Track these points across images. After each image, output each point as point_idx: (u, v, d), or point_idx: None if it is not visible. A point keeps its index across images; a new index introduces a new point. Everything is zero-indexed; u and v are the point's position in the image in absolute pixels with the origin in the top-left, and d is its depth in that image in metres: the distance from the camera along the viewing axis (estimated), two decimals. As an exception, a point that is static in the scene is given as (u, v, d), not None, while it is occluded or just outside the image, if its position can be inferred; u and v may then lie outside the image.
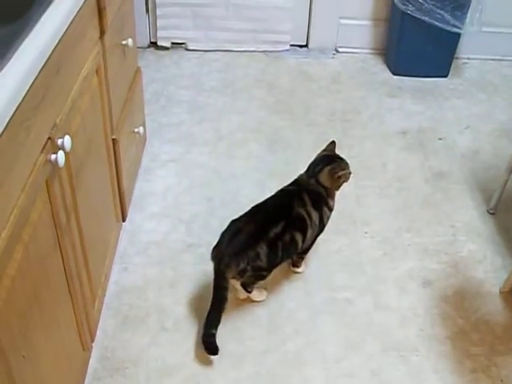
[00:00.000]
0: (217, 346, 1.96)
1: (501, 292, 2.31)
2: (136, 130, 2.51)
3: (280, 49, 3.76)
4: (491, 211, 2.67)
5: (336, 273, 2.35)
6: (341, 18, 3.72)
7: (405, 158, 2.95)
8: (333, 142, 2.19)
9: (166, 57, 3.65)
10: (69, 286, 1.61)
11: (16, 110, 1.16)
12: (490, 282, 2.35)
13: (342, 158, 2.16)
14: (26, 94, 1.21)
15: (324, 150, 2.19)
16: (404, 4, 3.37)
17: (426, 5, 3.32)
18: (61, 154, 1.40)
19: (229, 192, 2.67)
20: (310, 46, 3.82)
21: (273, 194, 2.14)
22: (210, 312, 1.99)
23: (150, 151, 2.86)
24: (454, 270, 2.39)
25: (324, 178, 2.10)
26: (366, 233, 2.53)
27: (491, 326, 2.18)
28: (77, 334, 1.74)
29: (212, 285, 2.00)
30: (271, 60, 3.68)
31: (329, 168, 2.09)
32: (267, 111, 3.21)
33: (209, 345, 1.97)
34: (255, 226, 2.00)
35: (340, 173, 2.08)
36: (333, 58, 3.76)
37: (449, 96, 3.46)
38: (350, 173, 2.13)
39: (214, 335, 1.97)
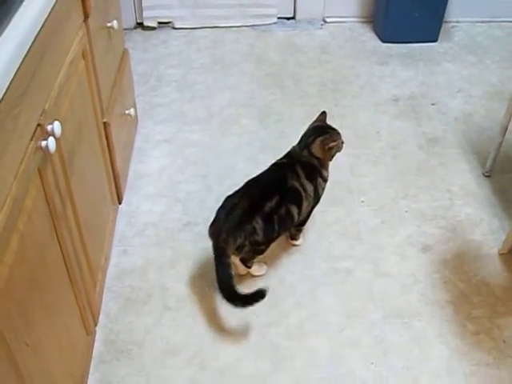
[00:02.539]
0: (260, 290, 1.93)
1: (499, 254, 2.32)
2: (127, 111, 2.50)
3: (267, 22, 3.73)
4: (486, 174, 2.67)
5: (334, 243, 2.35)
6: (327, -13, 3.71)
7: (398, 125, 2.94)
8: (323, 113, 2.18)
9: (154, 37, 3.63)
10: (68, 272, 1.62)
11: (2, 99, 1.15)
12: (488, 245, 2.35)
13: (333, 129, 2.15)
14: (11, 82, 1.20)
15: (315, 121, 2.18)
16: (390, -30, 3.35)
17: (412, -31, 3.30)
18: (51, 140, 1.39)
19: (223, 168, 2.67)
20: (297, 17, 3.79)
21: (266, 168, 2.14)
22: (226, 291, 1.94)
23: (143, 132, 2.85)
24: (452, 234, 2.39)
25: (316, 149, 2.09)
26: (362, 201, 2.53)
27: (491, 287, 2.19)
28: (79, 319, 1.75)
29: (212, 261, 2.00)
30: (259, 34, 3.66)
31: (320, 139, 2.08)
32: (257, 85, 3.20)
33: (255, 296, 1.93)
34: (250, 200, 1.99)
35: (331, 144, 2.08)
36: (321, 28, 3.74)
37: (439, 60, 3.44)
38: (342, 142, 2.13)
39: (247, 294, 1.94)
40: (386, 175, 2.66)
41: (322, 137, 2.09)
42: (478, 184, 2.62)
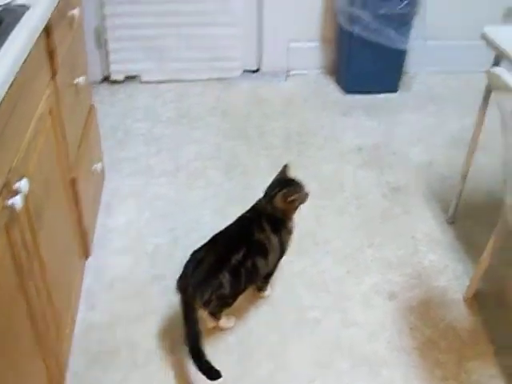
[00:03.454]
0: (217, 370, 1.93)
1: (464, 299, 2.35)
2: (94, 166, 2.52)
3: (233, 75, 3.80)
4: (449, 220, 2.72)
5: (302, 294, 2.37)
6: (290, 41, 3.80)
7: (362, 174, 3.00)
8: (286, 166, 2.22)
9: (121, 90, 3.67)
10: (34, 330, 1.61)
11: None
12: (453, 290, 2.39)
13: (296, 181, 2.18)
14: (-22, 142, 1.21)
15: (278, 174, 2.22)
16: (350, 24, 3.45)
17: (372, 24, 3.40)
18: (18, 197, 1.40)
19: (190, 221, 2.69)
20: (262, 70, 3.87)
21: (232, 221, 2.16)
22: (191, 347, 1.95)
23: (110, 186, 2.86)
24: (417, 281, 2.43)
25: (278, 202, 2.12)
26: (327, 252, 2.56)
27: (458, 332, 2.22)
28: (45, 377, 1.73)
29: (180, 315, 2.00)
30: (225, 87, 3.72)
31: (282, 193, 2.11)
32: (223, 138, 3.25)
33: (210, 372, 1.94)
34: (217, 254, 2.01)
35: (293, 197, 2.11)
36: (285, 80, 3.82)
37: (400, 110, 3.54)
38: (306, 194, 2.16)
39: (208, 362, 1.94)
40: (351, 225, 2.70)
41: (283, 190, 2.11)
42: (441, 231, 2.68)
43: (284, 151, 3.15)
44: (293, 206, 2.15)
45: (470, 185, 2.76)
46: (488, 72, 1.84)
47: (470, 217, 2.74)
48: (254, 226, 2.10)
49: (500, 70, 1.75)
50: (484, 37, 2.28)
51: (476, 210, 2.79)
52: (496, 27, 2.34)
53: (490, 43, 2.26)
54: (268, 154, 3.11)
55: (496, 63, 2.31)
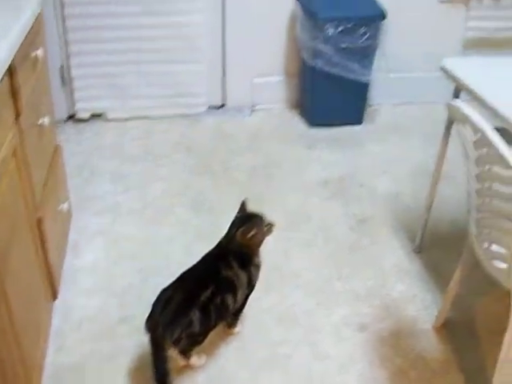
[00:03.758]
0: None
1: (434, 328, 2.37)
2: (61, 205, 2.50)
3: (198, 111, 3.82)
4: (417, 250, 2.75)
5: (272, 328, 2.37)
6: (254, 76, 3.83)
7: (328, 206, 3.02)
8: (244, 202, 2.20)
9: (86, 129, 3.67)
10: (2, 375, 1.58)
11: None
12: (422, 319, 2.41)
13: (255, 215, 2.17)
14: None
15: (238, 211, 2.21)
16: (313, 59, 3.50)
17: (334, 58, 3.46)
18: (-17, 242, 1.39)
19: (158, 260, 2.67)
20: (227, 105, 3.90)
21: (200, 258, 2.16)
22: None
23: (77, 225, 2.84)
24: (387, 312, 2.44)
25: (239, 240, 2.12)
26: (296, 285, 2.57)
27: (428, 362, 2.24)
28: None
29: (150, 355, 1.99)
30: (190, 123, 3.74)
31: (241, 230, 2.11)
32: (190, 174, 3.25)
33: None
34: (185, 292, 2.01)
35: (252, 232, 2.11)
36: (250, 115, 3.85)
37: (365, 142, 3.58)
38: (269, 227, 2.15)
39: None
40: (319, 257, 2.71)
41: (242, 227, 2.11)
42: (409, 261, 2.70)
43: (250, 186, 3.16)
44: (255, 242, 2.15)
45: (436, 214, 2.80)
46: (448, 105, 1.88)
47: (436, 246, 2.78)
48: (221, 263, 2.10)
49: (459, 103, 1.79)
50: (443, 69, 2.33)
51: (442, 239, 2.82)
52: (455, 59, 2.40)
53: (449, 76, 2.31)
54: (234, 189, 3.12)
55: (456, 95, 2.36)
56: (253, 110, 3.89)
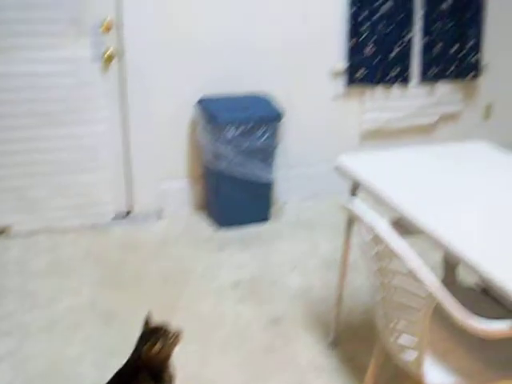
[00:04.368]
0: None
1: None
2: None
3: (105, 220, 3.80)
4: (332, 344, 2.76)
5: None
6: (160, 181, 3.86)
7: (241, 309, 3.01)
8: (147, 316, 2.15)
9: (-11, 246, 3.57)
10: None
11: None
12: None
13: (159, 329, 2.11)
14: None
15: (142, 326, 2.16)
16: (216, 161, 3.57)
17: (236, 159, 3.53)
18: None
19: (71, 380, 2.57)
20: (134, 212, 3.89)
21: (110, 378, 2.09)
22: None
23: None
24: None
25: (145, 357, 2.07)
26: (215, 392, 2.52)
27: None
28: None
29: None
30: (97, 233, 3.70)
31: (145, 347, 2.06)
32: (99, 287, 3.18)
33: None
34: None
35: (156, 349, 2.06)
36: (158, 221, 3.85)
37: (273, 240, 3.63)
38: (175, 337, 2.10)
39: None
40: (236, 362, 2.67)
41: (146, 344, 2.06)
42: (325, 356, 2.70)
43: (162, 294, 3.12)
44: (163, 356, 2.10)
45: (349, 305, 2.84)
46: (342, 207, 1.94)
47: (351, 338, 2.79)
48: (133, 379, 2.04)
49: (352, 205, 1.85)
50: (337, 168, 2.42)
51: (356, 330, 2.85)
52: (348, 157, 2.49)
53: (343, 174, 2.39)
54: (146, 300, 3.06)
55: (353, 191, 2.44)
56: (160, 216, 3.90)
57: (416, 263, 1.63)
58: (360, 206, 1.82)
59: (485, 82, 4.48)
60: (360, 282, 3.07)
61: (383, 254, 1.78)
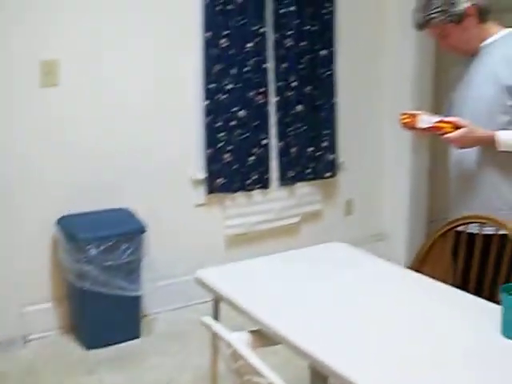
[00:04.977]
0: None
1: None
2: None
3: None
4: None
5: None
6: (23, 304, 3.69)
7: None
8: None
9: None
10: None
11: None
12: None
13: None
14: None
15: None
16: (80, 280, 3.48)
17: (100, 277, 3.46)
18: None
19: None
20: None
21: None
22: None
23: None
24: None
25: None
26: None
27: None
28: None
29: None
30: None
31: None
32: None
33: None
34: None
35: None
36: (23, 347, 3.66)
37: (145, 356, 3.53)
38: None
39: None
40: None
41: None
42: None
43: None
44: None
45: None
46: (201, 323, 1.94)
47: None
48: None
49: (209, 321, 1.85)
50: (198, 281, 2.43)
51: None
52: (208, 270, 2.52)
53: (205, 287, 2.40)
54: None
55: (216, 302, 2.44)
56: (26, 341, 3.71)
57: (272, 378, 1.63)
58: (215, 324, 1.82)
59: (342, 179, 4.69)
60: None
61: (244, 369, 1.78)
